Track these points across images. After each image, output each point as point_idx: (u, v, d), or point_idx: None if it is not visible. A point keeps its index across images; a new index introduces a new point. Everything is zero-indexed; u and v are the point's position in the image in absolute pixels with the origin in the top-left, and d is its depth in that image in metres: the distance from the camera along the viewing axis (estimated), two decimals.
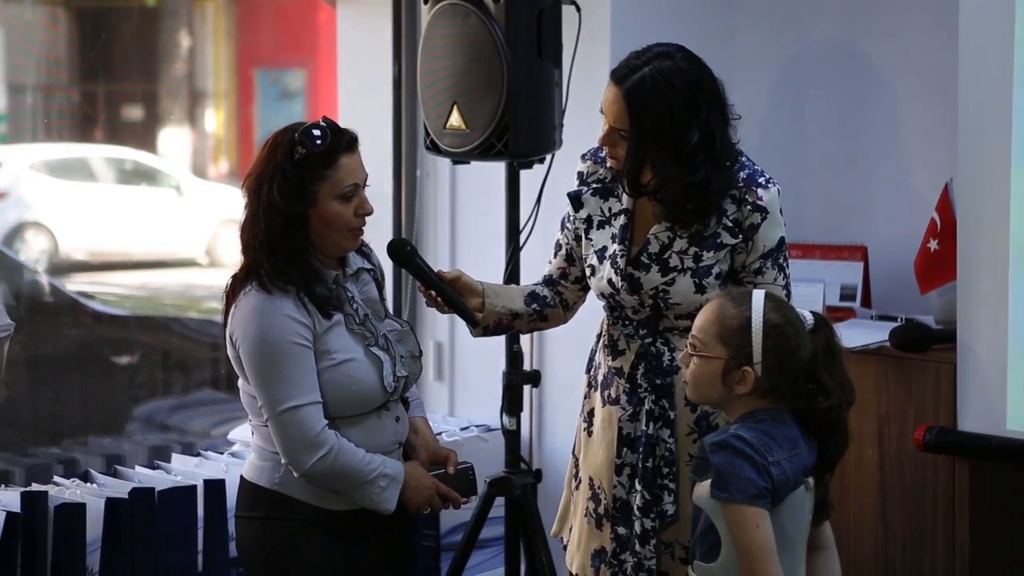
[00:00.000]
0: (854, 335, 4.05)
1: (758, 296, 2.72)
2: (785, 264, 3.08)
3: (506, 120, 3.82)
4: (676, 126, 2.98)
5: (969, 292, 3.73)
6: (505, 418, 4.05)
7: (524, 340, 4.14)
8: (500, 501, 4.05)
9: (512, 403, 4.04)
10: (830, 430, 2.72)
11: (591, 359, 3.24)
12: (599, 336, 3.22)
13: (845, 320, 4.25)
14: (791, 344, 2.68)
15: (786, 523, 2.65)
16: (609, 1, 4.37)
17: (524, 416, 4.10)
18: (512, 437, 4.06)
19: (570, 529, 3.27)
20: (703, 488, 2.68)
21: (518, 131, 3.84)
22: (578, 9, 4.02)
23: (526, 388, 4.12)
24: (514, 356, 4.03)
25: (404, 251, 3.16)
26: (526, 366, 4.12)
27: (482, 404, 4.69)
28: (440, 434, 4.45)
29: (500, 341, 3.99)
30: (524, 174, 4.06)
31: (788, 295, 3.07)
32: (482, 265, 4.57)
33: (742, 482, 2.59)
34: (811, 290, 4.21)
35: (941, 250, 4.07)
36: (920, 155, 4.42)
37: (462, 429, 4.63)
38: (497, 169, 4.15)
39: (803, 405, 2.70)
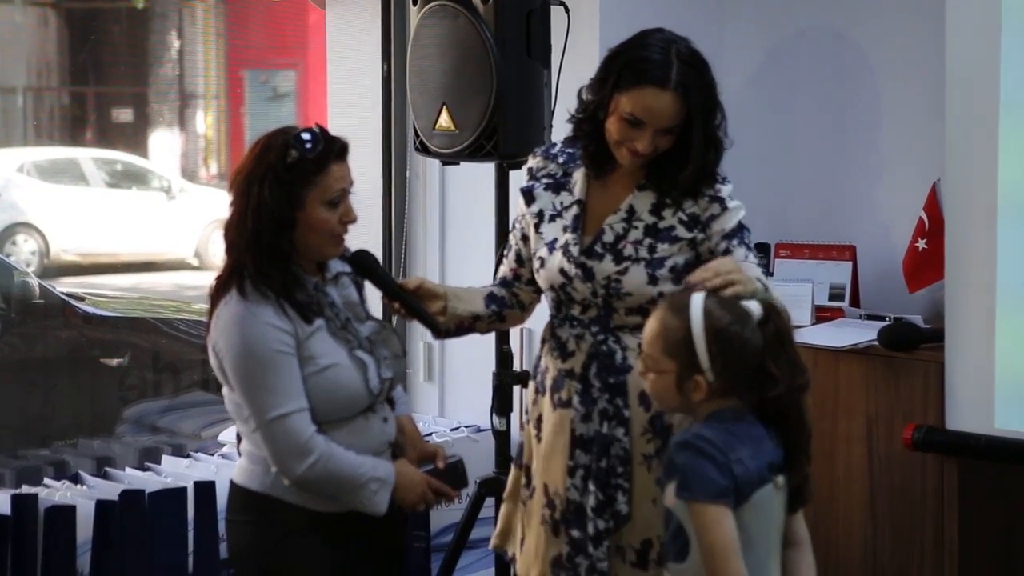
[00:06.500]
0: (842, 334, 4.06)
1: (696, 302, 2.70)
2: (750, 246, 3.06)
3: (495, 121, 3.83)
4: (715, 97, 3.03)
5: (957, 291, 3.74)
6: (495, 419, 4.05)
7: (514, 341, 4.15)
8: (490, 502, 4.05)
9: (502, 404, 4.04)
10: (785, 417, 2.72)
11: (536, 364, 3.22)
12: (543, 340, 3.19)
13: (834, 320, 4.25)
14: (736, 344, 2.67)
15: (750, 521, 2.66)
16: (598, 2, 4.39)
17: (514, 416, 4.10)
18: (502, 438, 4.06)
19: (521, 541, 3.23)
20: (671, 489, 2.69)
21: (507, 132, 3.85)
22: (567, 10, 4.02)
23: (516, 389, 4.13)
24: (504, 357, 4.03)
25: (366, 263, 3.14)
26: (516, 367, 4.12)
27: (472, 405, 4.69)
28: (430, 435, 4.46)
29: (490, 342, 4.00)
30: (513, 174, 4.07)
31: (765, 272, 3.06)
32: (471, 265, 4.58)
33: (703, 481, 2.60)
34: (800, 290, 4.21)
35: (929, 249, 4.08)
36: (908, 154, 4.43)
37: (452, 430, 4.63)
38: (486, 170, 4.16)
39: (756, 398, 2.70)
